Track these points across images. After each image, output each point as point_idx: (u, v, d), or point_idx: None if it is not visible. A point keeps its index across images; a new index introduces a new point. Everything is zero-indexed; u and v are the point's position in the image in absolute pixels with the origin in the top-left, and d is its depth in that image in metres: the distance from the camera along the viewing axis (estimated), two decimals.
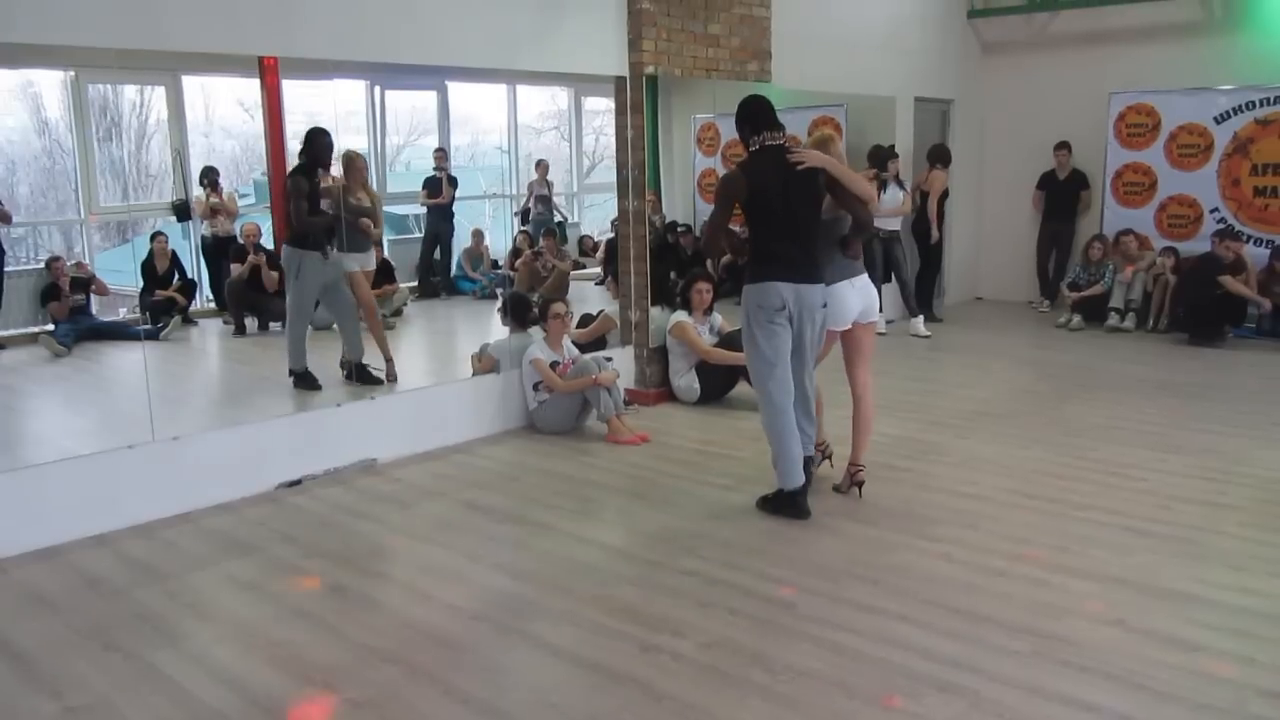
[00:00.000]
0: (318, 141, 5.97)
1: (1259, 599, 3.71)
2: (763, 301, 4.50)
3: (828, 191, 4.54)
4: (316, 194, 6.00)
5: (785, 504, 4.64)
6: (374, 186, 6.81)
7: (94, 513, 4.53)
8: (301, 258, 6.00)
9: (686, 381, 6.79)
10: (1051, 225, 10.38)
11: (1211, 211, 9.42)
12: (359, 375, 6.18)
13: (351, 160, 6.43)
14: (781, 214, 4.46)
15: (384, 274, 8.18)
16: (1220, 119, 9.30)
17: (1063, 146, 10.18)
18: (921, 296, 9.49)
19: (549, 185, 10.26)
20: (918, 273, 9.60)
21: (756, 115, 4.58)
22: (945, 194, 9.74)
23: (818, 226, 4.57)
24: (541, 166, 10.19)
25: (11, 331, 6.70)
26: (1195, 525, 4.45)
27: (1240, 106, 9.19)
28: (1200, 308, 8.56)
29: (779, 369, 4.54)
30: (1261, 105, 9.07)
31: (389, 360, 6.32)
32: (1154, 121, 9.67)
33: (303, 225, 5.93)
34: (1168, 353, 8.33)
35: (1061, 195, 10.30)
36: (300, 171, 5.94)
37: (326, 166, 6.07)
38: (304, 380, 6.08)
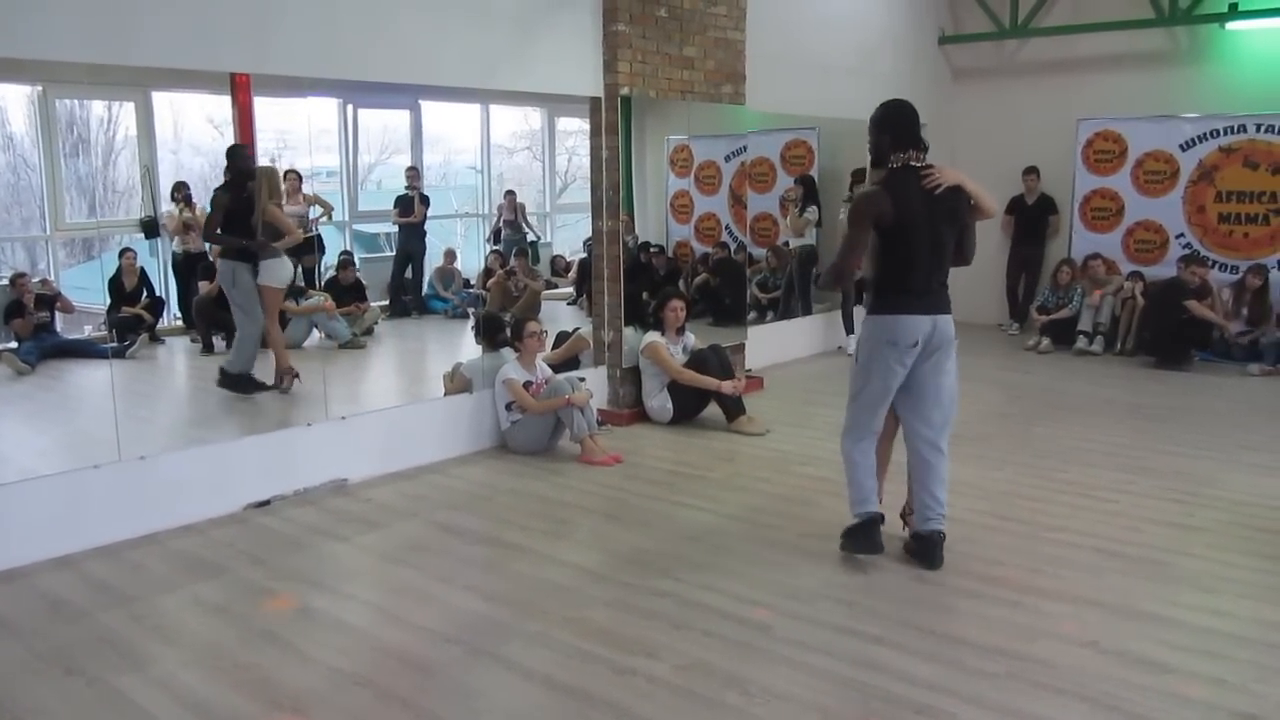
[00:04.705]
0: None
1: (1228, 620, 3.74)
2: (897, 338, 4.13)
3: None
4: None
5: (857, 535, 4.27)
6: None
7: (57, 534, 4.44)
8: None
9: (659, 402, 6.78)
10: (1021, 249, 10.49)
11: (1177, 237, 9.56)
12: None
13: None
14: (924, 240, 4.08)
15: (355, 293, 8.15)
16: (1186, 146, 9.46)
17: (1031, 171, 10.31)
18: None
19: (518, 210, 10.25)
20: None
21: (900, 128, 4.14)
22: None
23: (951, 252, 4.22)
24: (509, 196, 10.19)
25: None
26: (1165, 547, 4.49)
27: (1205, 134, 9.35)
28: (1166, 332, 8.67)
29: (882, 407, 4.28)
30: (1226, 133, 9.24)
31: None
32: (1121, 148, 9.82)
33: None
34: (1135, 375, 8.42)
35: (1030, 220, 10.42)
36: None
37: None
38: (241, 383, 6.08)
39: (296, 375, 6.19)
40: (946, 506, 4.27)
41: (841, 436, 4.41)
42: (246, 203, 6.09)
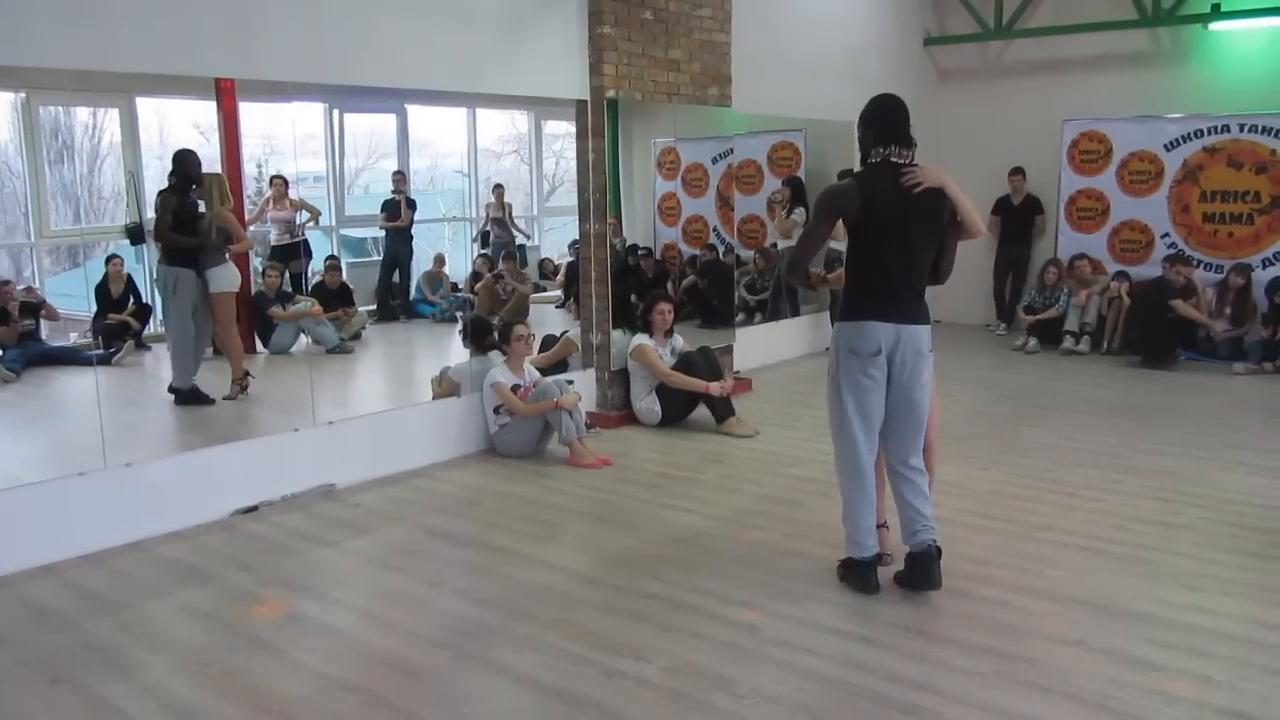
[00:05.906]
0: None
1: (1214, 618, 3.76)
2: (856, 345, 3.84)
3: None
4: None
5: (852, 574, 4.06)
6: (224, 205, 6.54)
7: (43, 542, 4.42)
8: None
9: (648, 404, 6.78)
10: (1007, 250, 10.53)
11: (1162, 237, 9.60)
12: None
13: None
14: (895, 242, 3.81)
15: (342, 297, 8.13)
16: (1170, 146, 9.50)
17: (1017, 172, 10.35)
18: None
19: (506, 208, 10.25)
20: None
21: (883, 123, 3.87)
22: None
23: (930, 260, 3.93)
24: (498, 191, 10.18)
25: None
26: (1151, 545, 4.51)
27: (1189, 134, 9.39)
28: (1152, 331, 8.71)
29: (855, 426, 3.90)
30: (1210, 134, 9.28)
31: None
32: (1106, 148, 9.86)
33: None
34: (1121, 375, 8.46)
35: (1017, 220, 10.46)
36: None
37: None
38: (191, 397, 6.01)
39: (245, 388, 6.16)
40: (933, 518, 3.97)
41: (836, 474, 4.12)
42: (192, 208, 6.05)
